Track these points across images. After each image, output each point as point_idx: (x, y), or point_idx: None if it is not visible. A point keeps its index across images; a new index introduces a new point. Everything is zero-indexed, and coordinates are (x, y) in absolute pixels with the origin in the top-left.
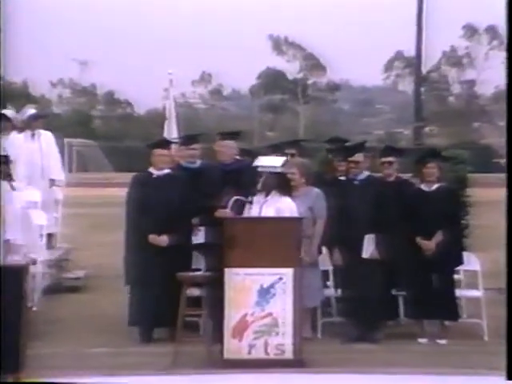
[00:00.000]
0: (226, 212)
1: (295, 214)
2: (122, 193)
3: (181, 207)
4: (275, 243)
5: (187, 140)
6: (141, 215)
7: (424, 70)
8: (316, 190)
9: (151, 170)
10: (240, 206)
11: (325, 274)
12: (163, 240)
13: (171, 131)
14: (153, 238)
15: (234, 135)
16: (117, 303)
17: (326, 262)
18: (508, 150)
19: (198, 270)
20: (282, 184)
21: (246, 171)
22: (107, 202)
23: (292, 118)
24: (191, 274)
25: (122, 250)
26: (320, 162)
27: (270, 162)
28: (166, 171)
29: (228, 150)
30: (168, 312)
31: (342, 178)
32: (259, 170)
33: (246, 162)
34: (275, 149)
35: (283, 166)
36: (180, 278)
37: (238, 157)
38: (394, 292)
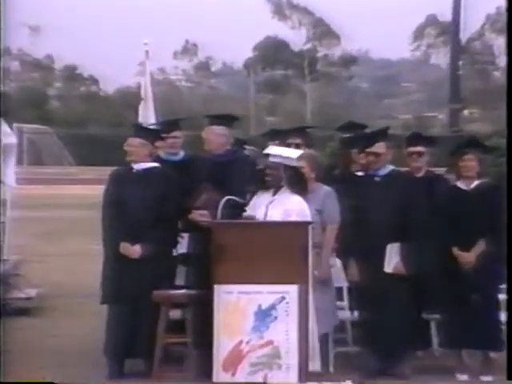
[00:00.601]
0: (203, 214)
1: (308, 218)
2: (86, 191)
3: (160, 209)
4: (277, 254)
5: (167, 126)
6: (114, 219)
7: (463, 38)
8: (326, 189)
9: (133, 164)
10: (233, 208)
11: (338, 292)
12: (135, 251)
13: (147, 115)
14: (124, 248)
15: (225, 120)
16: (79, 329)
17: (339, 277)
18: (508, 149)
19: (183, 287)
20: (295, 180)
21: (241, 164)
22: (67, 204)
23: (297, 99)
24: (172, 292)
25: (86, 262)
26: (331, 153)
27: (286, 152)
28: (149, 165)
29: (218, 138)
30: (143, 339)
31: (359, 173)
32: (271, 161)
33: (241, 154)
34: (275, 137)
35: (298, 159)
36: (157, 298)
37: (230, 147)
38: (424, 315)
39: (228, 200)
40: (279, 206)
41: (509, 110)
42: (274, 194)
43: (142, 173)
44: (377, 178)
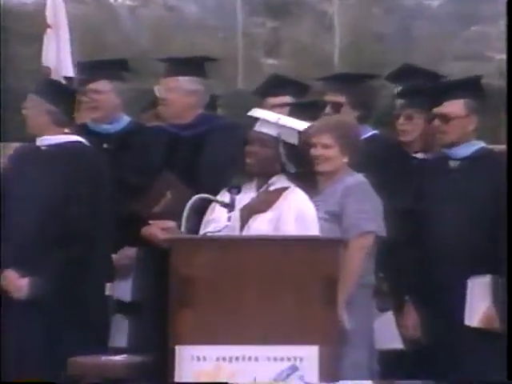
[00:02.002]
0: (169, 228)
1: (315, 229)
2: None
3: (76, 216)
4: (282, 292)
5: (91, 71)
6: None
7: None
8: (354, 178)
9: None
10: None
11: (384, 357)
12: (19, 287)
13: (57, 54)
14: (6, 279)
15: (195, 66)
16: None
17: (383, 332)
18: (508, 147)
19: (122, 351)
20: (300, 167)
21: (222, 139)
22: None
23: (316, 26)
24: (103, 359)
25: None
26: (376, 121)
27: (284, 120)
28: (60, 140)
29: (184, 98)
30: None
31: (421, 155)
32: (259, 132)
33: (222, 122)
34: (287, 90)
35: (322, 130)
36: (76, 369)
37: (203, 111)
38: None
39: (198, 200)
40: (264, 208)
41: (509, 111)
42: (259, 187)
43: (46, 152)
44: (452, 163)
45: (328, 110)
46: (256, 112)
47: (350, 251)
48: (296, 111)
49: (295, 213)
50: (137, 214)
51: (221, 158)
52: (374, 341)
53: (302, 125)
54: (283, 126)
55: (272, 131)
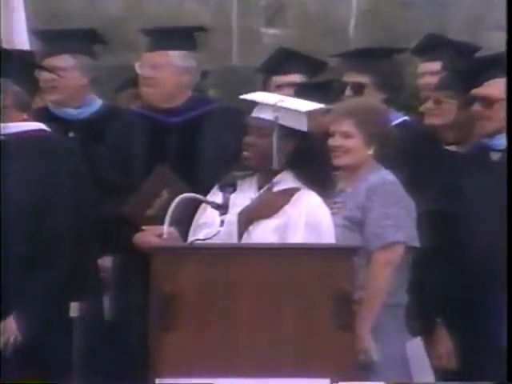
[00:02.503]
0: (170, 233)
1: (331, 237)
2: None
3: (55, 226)
4: (286, 312)
5: (50, 44)
6: None
7: None
8: (380, 176)
9: None
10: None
11: None
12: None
13: (11, 21)
14: None
15: (184, 38)
16: None
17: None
18: (508, 145)
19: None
20: (306, 160)
21: (218, 127)
22: None
23: None
24: None
25: None
26: (403, 105)
27: (288, 103)
28: (22, 127)
29: (174, 76)
30: None
31: (453, 147)
32: (256, 118)
33: (217, 106)
34: (295, 68)
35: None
36: None
37: (193, 93)
38: None
39: (184, 200)
40: (269, 214)
41: (509, 109)
42: (260, 186)
43: (7, 144)
44: (494, 156)
45: (348, 92)
46: (252, 95)
47: (375, 266)
48: (308, 93)
49: (307, 221)
50: (125, 218)
51: (218, 149)
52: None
53: (310, 106)
54: (287, 110)
55: (271, 117)
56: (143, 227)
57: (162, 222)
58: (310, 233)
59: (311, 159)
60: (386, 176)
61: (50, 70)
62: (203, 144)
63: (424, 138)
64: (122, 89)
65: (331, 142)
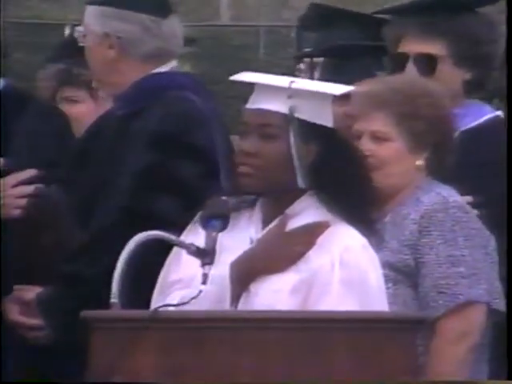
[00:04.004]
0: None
1: (380, 301)
2: None
3: None
4: None
5: None
6: None
7: None
8: (440, 197)
9: None
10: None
11: None
12: None
13: None
14: None
15: None
16: None
17: None
18: (508, 146)
19: None
20: (338, 176)
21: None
22: None
23: None
24: None
25: None
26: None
27: (308, 85)
28: None
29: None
30: None
31: None
32: (255, 112)
33: (169, 96)
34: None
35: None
36: None
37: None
38: None
39: (149, 242)
40: (282, 265)
41: (509, 108)
42: (267, 219)
43: None
44: None
45: (409, 68)
46: (246, 75)
47: (442, 341)
48: (345, 68)
49: (344, 275)
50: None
51: (194, 160)
52: None
53: (341, 89)
54: (308, 95)
55: (279, 107)
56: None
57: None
58: (350, 294)
59: (347, 173)
60: (449, 197)
61: None
62: (167, 149)
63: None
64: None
65: (360, 145)
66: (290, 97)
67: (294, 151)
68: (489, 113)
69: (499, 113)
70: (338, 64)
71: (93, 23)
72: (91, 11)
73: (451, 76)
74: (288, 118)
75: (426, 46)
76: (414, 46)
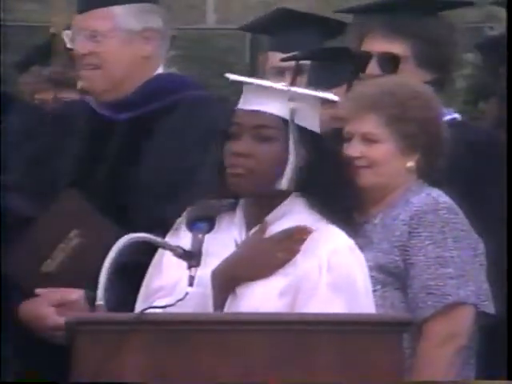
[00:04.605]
0: (70, 299)
1: (367, 304)
2: None
3: None
4: None
5: None
6: None
7: None
8: (429, 198)
9: None
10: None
11: None
12: None
13: None
14: None
15: None
16: None
17: None
18: (508, 146)
19: None
20: (325, 178)
21: (186, 128)
22: None
23: None
24: None
25: None
26: (468, 90)
27: (300, 88)
28: None
29: (119, 49)
30: None
31: None
32: (247, 113)
33: (194, 96)
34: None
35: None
36: None
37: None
38: None
39: (133, 244)
40: (267, 268)
41: (509, 108)
42: (253, 221)
43: None
44: None
45: (373, 67)
46: (244, 77)
47: (429, 342)
48: (314, 71)
49: (331, 279)
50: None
51: (185, 162)
52: None
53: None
54: (306, 99)
55: (278, 109)
56: (36, 291)
57: (65, 282)
58: (337, 297)
59: (334, 175)
60: (438, 198)
61: None
62: (161, 154)
63: (488, 144)
64: (25, 67)
65: (347, 149)
66: (291, 99)
67: (291, 154)
68: (447, 115)
69: (456, 115)
70: (327, 66)
71: (125, 21)
72: (122, 11)
73: (413, 77)
74: (290, 120)
75: (389, 46)
76: (377, 45)
